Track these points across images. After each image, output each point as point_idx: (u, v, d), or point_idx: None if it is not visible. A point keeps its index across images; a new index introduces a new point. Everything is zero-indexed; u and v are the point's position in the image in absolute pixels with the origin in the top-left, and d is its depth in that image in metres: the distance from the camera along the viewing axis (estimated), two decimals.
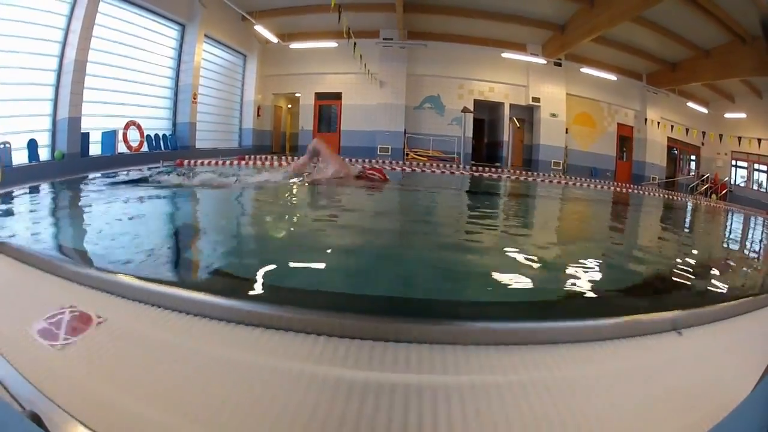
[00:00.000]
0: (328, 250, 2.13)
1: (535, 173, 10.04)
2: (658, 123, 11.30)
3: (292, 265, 1.81)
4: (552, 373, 0.87)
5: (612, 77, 10.50)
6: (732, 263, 3.06)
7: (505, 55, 9.70)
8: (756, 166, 11.70)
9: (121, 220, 2.87)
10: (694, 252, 3.24)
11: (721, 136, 10.70)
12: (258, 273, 1.62)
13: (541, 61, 9.99)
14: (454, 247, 2.48)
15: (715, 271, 2.51)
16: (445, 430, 0.70)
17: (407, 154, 9.50)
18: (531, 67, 10.33)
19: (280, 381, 0.77)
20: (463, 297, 1.65)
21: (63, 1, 6.08)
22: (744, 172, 12.06)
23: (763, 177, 11.76)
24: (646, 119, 11.29)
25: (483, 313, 1.25)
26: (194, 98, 7.45)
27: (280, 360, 0.84)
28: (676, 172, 12.26)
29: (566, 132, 10.69)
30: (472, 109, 9.25)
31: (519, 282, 1.80)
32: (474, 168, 9.33)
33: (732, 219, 8.10)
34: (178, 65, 7.53)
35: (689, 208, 9.23)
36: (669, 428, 0.79)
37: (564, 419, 0.74)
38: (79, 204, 3.84)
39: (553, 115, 10.44)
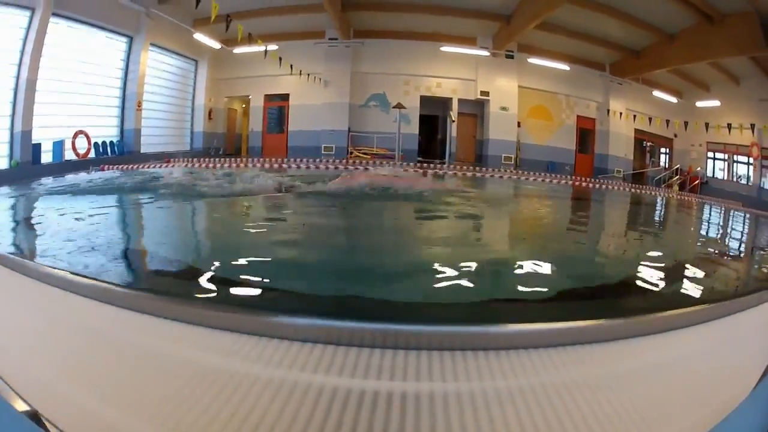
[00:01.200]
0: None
1: (484, 168, 10.50)
2: (621, 114, 11.32)
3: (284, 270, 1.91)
4: (550, 376, 0.89)
5: (565, 67, 10.65)
6: (715, 260, 3.18)
7: (445, 49, 10.17)
8: (736, 157, 11.45)
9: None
10: (660, 252, 3.26)
11: (686, 123, 10.64)
12: (240, 278, 1.68)
13: (483, 53, 10.37)
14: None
15: (699, 270, 2.57)
16: None
17: (351, 153, 10.21)
18: (480, 61, 10.68)
19: (264, 389, 0.79)
20: (456, 299, 1.65)
21: (20, 27, 7.23)
22: (723, 164, 11.83)
23: (743, 169, 11.50)
24: (608, 110, 11.32)
25: (477, 316, 1.27)
26: (138, 106, 8.54)
27: (266, 368, 0.85)
28: (645, 165, 12.20)
29: (518, 126, 10.98)
30: (405, 106, 9.81)
31: (511, 284, 1.87)
32: (417, 165, 9.93)
33: (697, 212, 8.27)
34: (126, 75, 8.61)
35: (647, 201, 9.41)
36: (669, 429, 0.80)
37: (563, 422, 0.76)
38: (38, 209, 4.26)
39: (504, 108, 10.78)
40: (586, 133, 11.68)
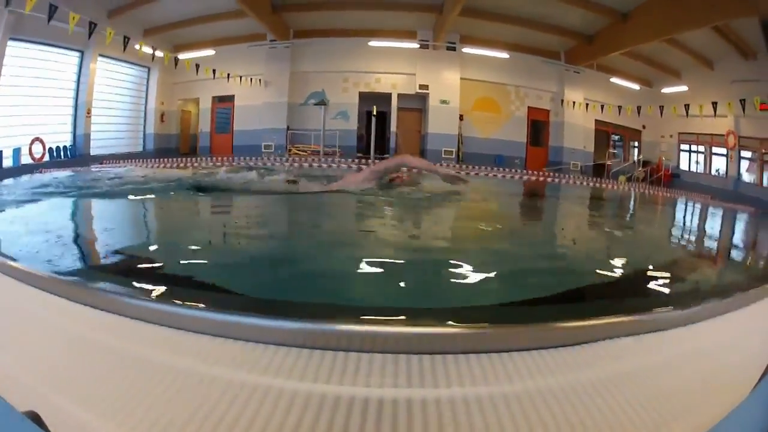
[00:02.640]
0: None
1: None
2: (576, 104, 10.98)
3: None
4: (547, 377, 0.90)
5: (505, 55, 10.56)
6: (705, 257, 3.29)
7: (372, 43, 10.53)
8: (708, 148, 10.75)
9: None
10: (654, 250, 3.31)
11: (639, 108, 10.21)
12: (234, 283, 1.69)
13: (414, 45, 10.54)
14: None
15: (693, 267, 2.64)
16: None
17: (289, 150, 10.93)
18: (419, 54, 10.91)
19: (256, 396, 0.82)
20: (451, 302, 1.66)
21: None
22: (696, 156, 11.12)
23: (718, 161, 10.77)
24: (562, 101, 11.02)
25: (473, 318, 1.30)
26: (88, 113, 9.82)
27: (258, 375, 0.88)
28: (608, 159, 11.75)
29: (461, 119, 11.06)
30: (326, 102, 10.37)
31: (509, 283, 1.89)
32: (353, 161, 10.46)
33: (659, 206, 8.20)
34: (78, 85, 9.91)
35: (599, 195, 9.29)
36: (669, 429, 0.81)
37: (561, 423, 0.78)
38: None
39: (444, 101, 10.93)
40: (539, 125, 11.49)
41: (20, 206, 4.99)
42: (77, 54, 10.03)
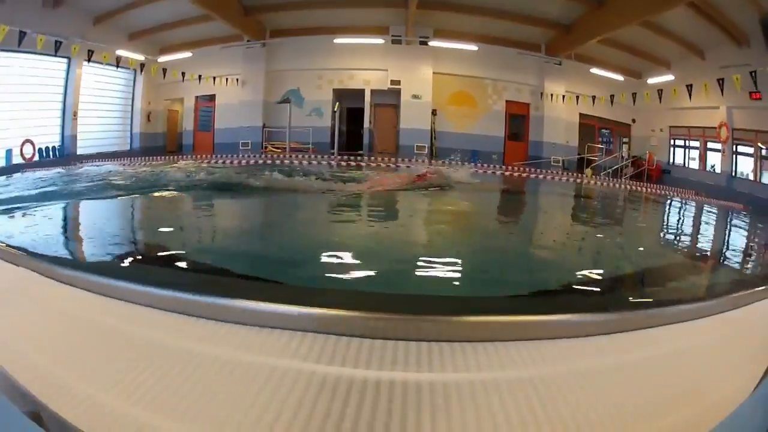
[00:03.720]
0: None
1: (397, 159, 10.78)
2: (555, 96, 10.63)
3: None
4: (546, 369, 0.91)
5: (473, 47, 10.34)
6: (705, 256, 3.36)
7: (338, 40, 10.54)
8: (696, 142, 10.11)
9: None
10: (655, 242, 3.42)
11: (612, 97, 9.73)
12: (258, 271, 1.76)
13: (378, 41, 10.54)
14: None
15: (699, 266, 2.69)
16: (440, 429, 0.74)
17: (265, 147, 11.22)
18: (390, 50, 10.91)
19: (277, 381, 0.83)
20: (456, 292, 1.74)
21: None
22: (689, 150, 10.47)
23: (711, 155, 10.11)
24: (542, 93, 10.66)
25: (476, 308, 1.29)
26: (74, 115, 10.49)
27: (277, 359, 0.89)
28: (594, 153, 11.24)
29: (434, 114, 10.94)
30: (290, 100, 10.60)
31: (514, 274, 1.98)
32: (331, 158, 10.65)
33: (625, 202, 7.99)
34: (66, 89, 10.59)
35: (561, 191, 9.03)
36: (669, 428, 0.81)
37: (560, 418, 0.78)
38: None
39: (416, 96, 10.87)
40: (518, 119, 11.17)
41: (35, 200, 5.28)
42: (65, 60, 10.71)
